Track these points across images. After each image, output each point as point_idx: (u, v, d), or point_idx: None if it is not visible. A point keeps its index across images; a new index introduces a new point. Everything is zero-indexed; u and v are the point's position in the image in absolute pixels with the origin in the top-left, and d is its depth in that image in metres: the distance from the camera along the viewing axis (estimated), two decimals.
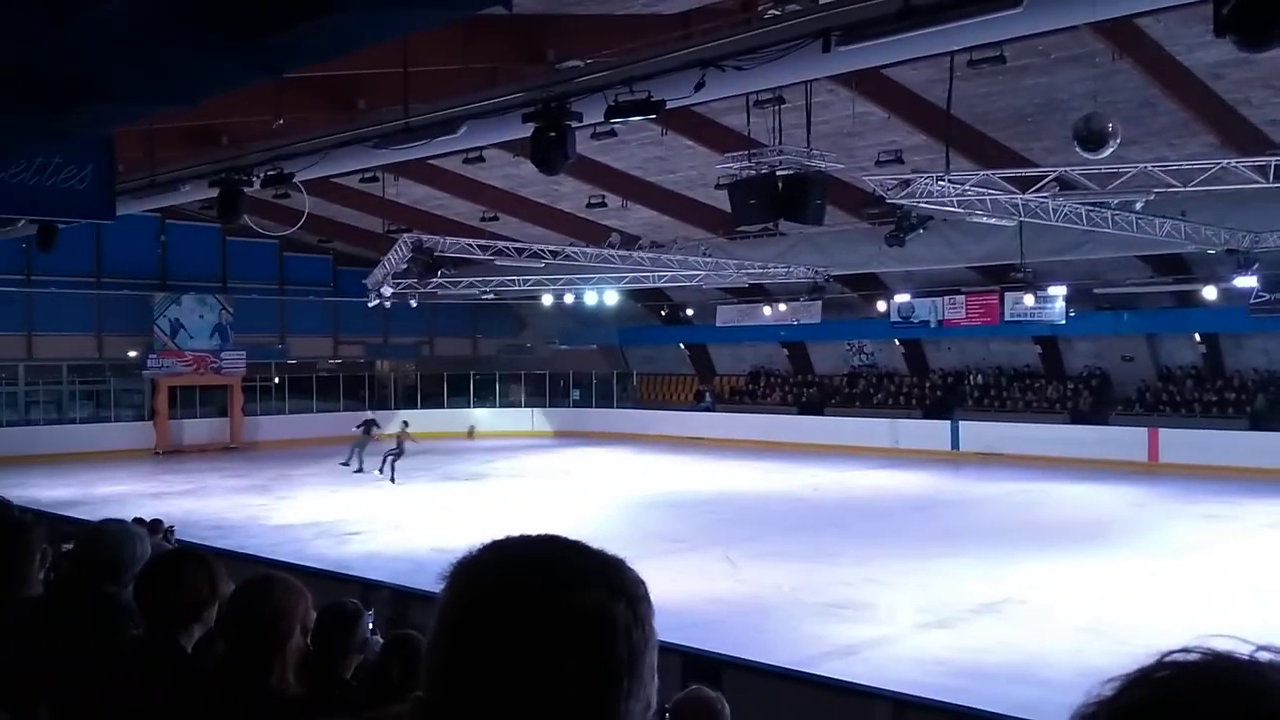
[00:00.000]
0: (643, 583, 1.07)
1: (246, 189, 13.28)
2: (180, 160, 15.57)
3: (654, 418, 38.47)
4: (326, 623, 3.03)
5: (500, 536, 1.09)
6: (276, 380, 38.06)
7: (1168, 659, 0.71)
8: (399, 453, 25.40)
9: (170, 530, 7.66)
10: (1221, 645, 0.71)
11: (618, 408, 40.78)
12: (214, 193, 13.77)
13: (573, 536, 1.09)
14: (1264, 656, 0.70)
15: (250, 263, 36.15)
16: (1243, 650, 0.70)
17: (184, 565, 2.76)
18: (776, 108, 17.38)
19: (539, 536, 1.08)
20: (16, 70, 6.49)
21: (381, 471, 25.08)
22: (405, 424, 26.25)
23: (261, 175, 12.95)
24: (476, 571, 1.05)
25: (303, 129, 13.86)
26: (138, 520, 8.29)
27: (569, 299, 32.49)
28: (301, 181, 14.27)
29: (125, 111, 9.13)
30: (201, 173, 14.28)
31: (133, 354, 34.46)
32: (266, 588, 2.48)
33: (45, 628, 2.70)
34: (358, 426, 27.55)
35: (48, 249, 14.26)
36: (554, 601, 1.00)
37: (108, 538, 3.28)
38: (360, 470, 26.32)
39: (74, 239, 23.59)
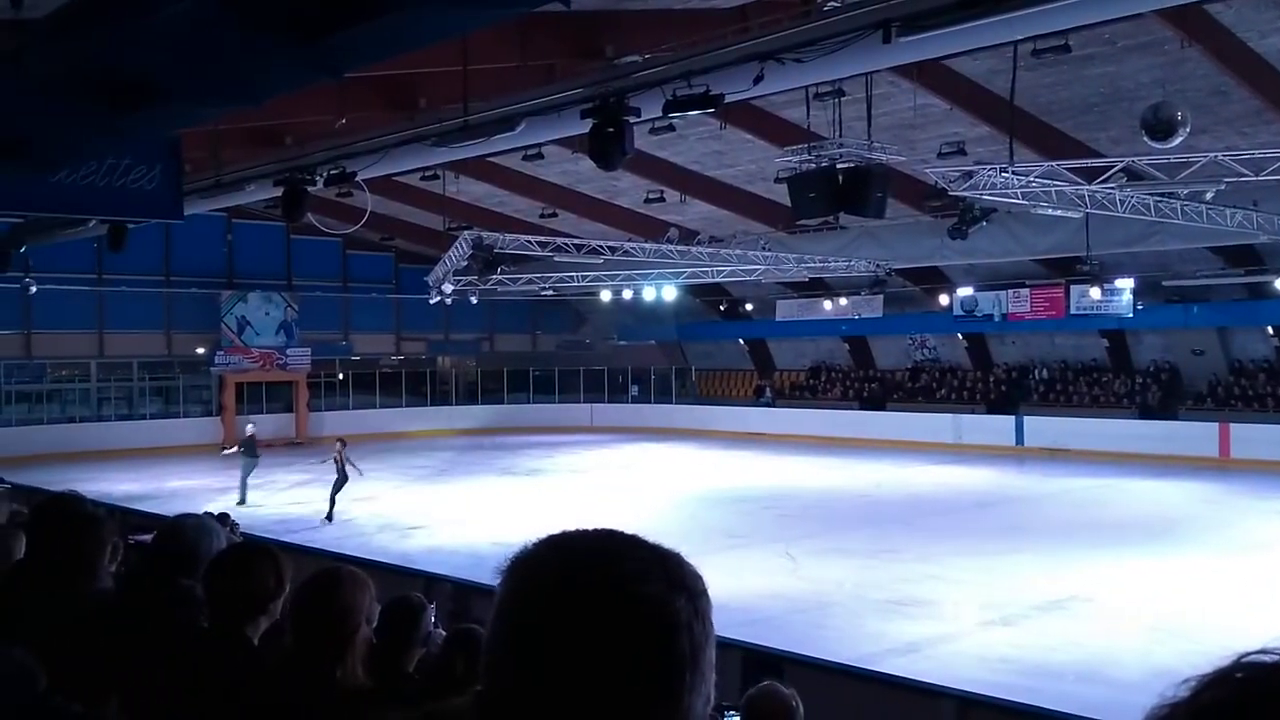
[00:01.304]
0: (701, 577, 1.06)
1: (310, 188, 13.47)
2: (245, 160, 15.84)
3: (713, 413, 38.40)
4: (391, 616, 3.06)
5: (557, 531, 1.09)
6: (340, 376, 38.61)
7: (1245, 660, 0.69)
8: (342, 481, 19.83)
9: (234, 525, 7.79)
10: None
11: (676, 403, 40.77)
12: (278, 192, 14.00)
13: (632, 532, 1.08)
14: None
15: (314, 261, 36.73)
16: None
17: (251, 558, 2.80)
18: (837, 100, 17.21)
19: (596, 531, 1.07)
20: (85, 72, 6.63)
21: (330, 518, 19.47)
22: (342, 444, 20.28)
23: (324, 174, 13.13)
24: (535, 566, 1.04)
25: (364, 128, 14.03)
26: (208, 514, 8.44)
27: (627, 294, 32.54)
28: (363, 180, 14.45)
29: (191, 112, 9.28)
30: (266, 172, 14.51)
31: (201, 351, 35.16)
32: (335, 581, 2.50)
33: (116, 620, 2.76)
34: (238, 448, 22.43)
35: (118, 249, 14.61)
36: (615, 596, 0.99)
37: (185, 532, 3.34)
38: (243, 503, 20.84)
39: (144, 238, 24.08)
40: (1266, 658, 0.69)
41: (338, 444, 20.35)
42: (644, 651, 0.97)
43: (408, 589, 4.94)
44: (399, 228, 33.72)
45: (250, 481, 22.11)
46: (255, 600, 2.70)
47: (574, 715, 0.97)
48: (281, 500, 22.49)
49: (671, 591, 1.00)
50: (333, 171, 13.00)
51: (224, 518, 7.50)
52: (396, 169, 15.08)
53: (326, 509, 19.61)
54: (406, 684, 2.95)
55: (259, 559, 2.78)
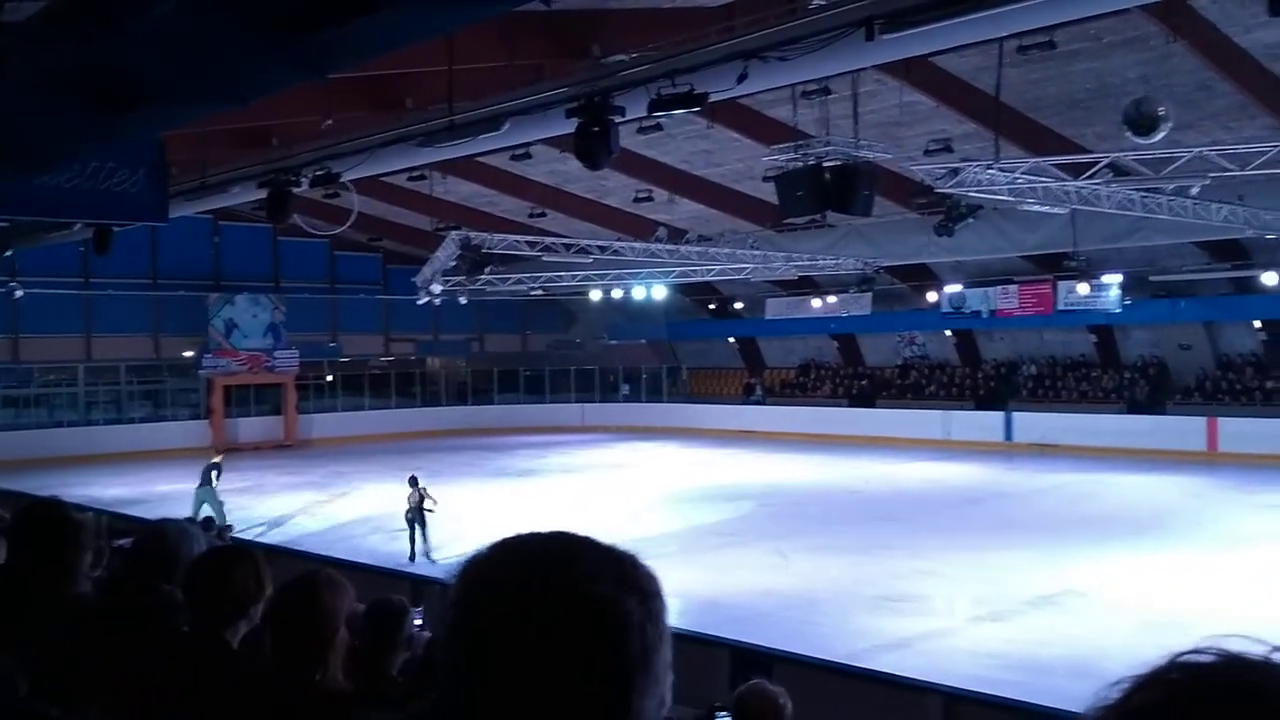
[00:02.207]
0: (656, 579, 1.05)
1: (295, 189, 13.43)
2: (230, 162, 15.78)
3: (704, 412, 38.43)
4: (373, 619, 3.05)
5: (510, 534, 1.09)
6: (329, 378, 38.54)
7: (1179, 660, 0.68)
8: (422, 519, 17.10)
9: (225, 529, 7.76)
10: (1235, 645, 0.69)
11: (667, 402, 40.79)
12: (264, 194, 13.95)
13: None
14: (1278, 658, 0.67)
15: (302, 262, 36.66)
16: (1257, 651, 0.68)
17: (231, 562, 2.79)
18: (823, 98, 17.26)
19: (548, 533, 1.07)
20: (69, 74, 6.60)
21: (414, 557, 16.61)
22: (415, 481, 17.37)
23: (310, 175, 13.09)
24: (486, 568, 1.04)
25: (350, 129, 13.99)
26: (189, 520, 8.43)
27: (617, 294, 32.52)
28: (350, 181, 14.41)
29: (176, 114, 9.25)
30: (251, 174, 14.47)
31: (188, 354, 35.07)
32: (312, 584, 2.49)
33: (96, 625, 2.74)
34: (211, 472, 19.22)
35: (104, 252, 14.56)
36: (565, 597, 0.98)
37: (166, 537, 3.32)
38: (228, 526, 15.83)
39: (130, 242, 24.00)
40: (1200, 658, 0.68)
41: (412, 480, 17.34)
42: (594, 652, 0.97)
43: (396, 591, 4.93)
44: (387, 228, 33.65)
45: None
46: (235, 604, 2.69)
47: (524, 716, 0.97)
48: (271, 503, 22.43)
49: (623, 592, 1.00)
50: (318, 173, 12.97)
51: (210, 522, 7.49)
52: (383, 169, 15.04)
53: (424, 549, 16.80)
54: (389, 687, 2.94)
55: (239, 563, 2.77)
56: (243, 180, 14.81)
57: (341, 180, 13.34)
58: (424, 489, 17.10)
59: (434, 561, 16.07)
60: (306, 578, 2.52)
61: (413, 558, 16.45)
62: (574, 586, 0.99)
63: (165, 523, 3.50)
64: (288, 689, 2.37)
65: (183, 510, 15.05)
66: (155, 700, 2.58)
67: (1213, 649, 0.68)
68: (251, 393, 35.99)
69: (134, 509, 17.39)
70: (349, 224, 19.66)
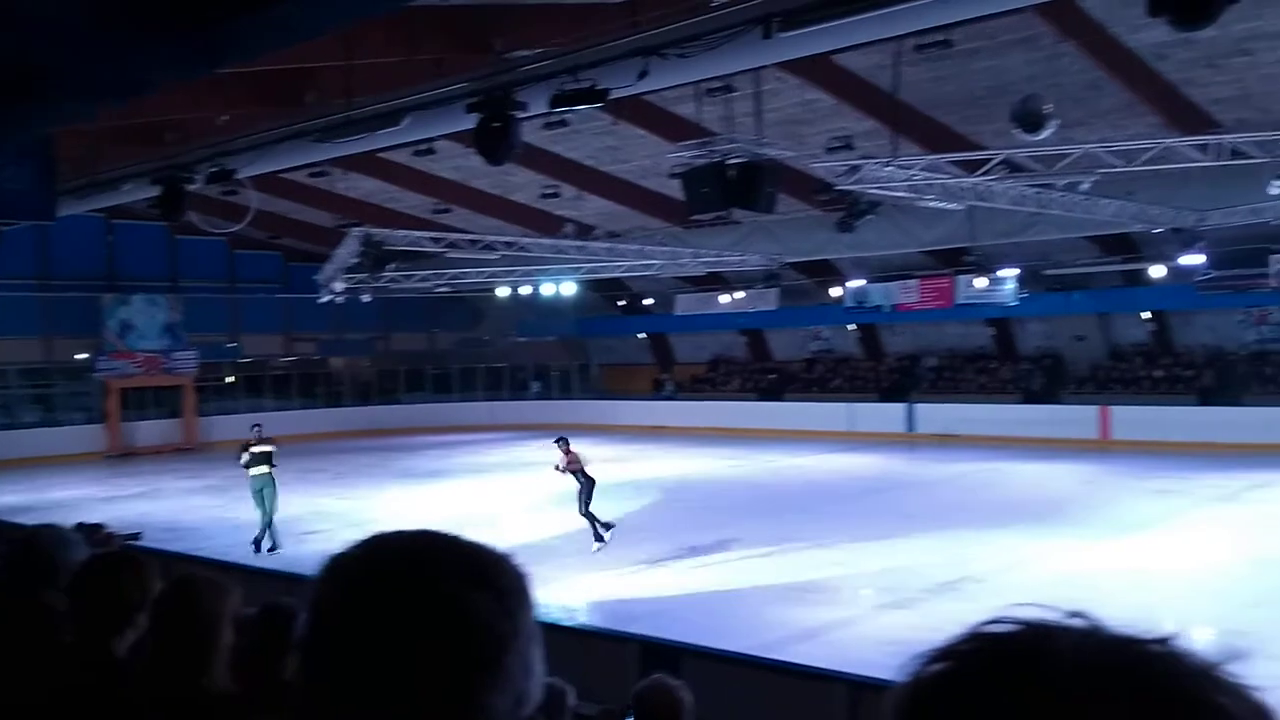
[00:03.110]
0: (519, 577, 1.06)
1: (190, 187, 13.10)
2: (123, 159, 15.34)
3: (615, 408, 38.46)
4: (263, 623, 2.99)
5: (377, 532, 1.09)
6: (230, 379, 37.66)
7: (977, 630, 0.70)
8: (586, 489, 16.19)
9: (113, 535, 7.52)
10: (1033, 613, 0.71)
11: (579, 399, 40.73)
12: (157, 191, 13.58)
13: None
14: (1075, 623, 0.69)
15: (200, 261, 35.76)
16: (1052, 618, 0.70)
17: (114, 569, 2.71)
18: (726, 96, 17.40)
19: (414, 531, 1.08)
20: None
21: (600, 540, 15.79)
22: (563, 441, 16.76)
23: (205, 173, 12.78)
24: (344, 564, 1.05)
25: (248, 125, 13.69)
26: (81, 525, 8.16)
27: (525, 290, 32.38)
28: (248, 177, 14.11)
29: (64, 108, 8.97)
30: (143, 171, 14.10)
31: (82, 356, 33.92)
32: (190, 587, 2.44)
33: None
34: (253, 453, 17.24)
35: None
36: (413, 593, 0.99)
37: (41, 543, 3.22)
38: (275, 548, 16.92)
39: (18, 241, 23.18)
40: (996, 627, 0.69)
41: (560, 440, 16.70)
42: (441, 648, 0.98)
43: (299, 595, 4.82)
44: (287, 226, 33.02)
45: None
46: (120, 612, 2.61)
47: (369, 711, 0.97)
48: (171, 508, 21.86)
49: (474, 589, 1.00)
50: (213, 170, 12.68)
51: (98, 528, 7.26)
52: (280, 166, 14.77)
53: (593, 532, 15.84)
54: (279, 691, 2.88)
55: (122, 569, 2.69)
56: (135, 178, 14.42)
57: (238, 177, 13.05)
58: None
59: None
60: (185, 580, 2.47)
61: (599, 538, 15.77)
62: (423, 582, 1.00)
63: (40, 529, 3.39)
64: (170, 694, 2.31)
65: (77, 516, 14.55)
66: (36, 713, 2.50)
67: (1009, 618, 0.70)
68: (149, 395, 34.99)
69: (26, 517, 16.76)
70: (247, 221, 19.20)
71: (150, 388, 34.83)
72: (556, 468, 16.40)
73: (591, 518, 15.97)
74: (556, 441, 16.48)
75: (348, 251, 24.75)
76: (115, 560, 2.93)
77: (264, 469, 16.74)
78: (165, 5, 5.85)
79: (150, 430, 34.43)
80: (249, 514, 20.53)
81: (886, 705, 0.70)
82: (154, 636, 2.38)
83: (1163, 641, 0.67)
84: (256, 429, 17.34)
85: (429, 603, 0.99)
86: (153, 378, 34.53)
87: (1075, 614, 0.70)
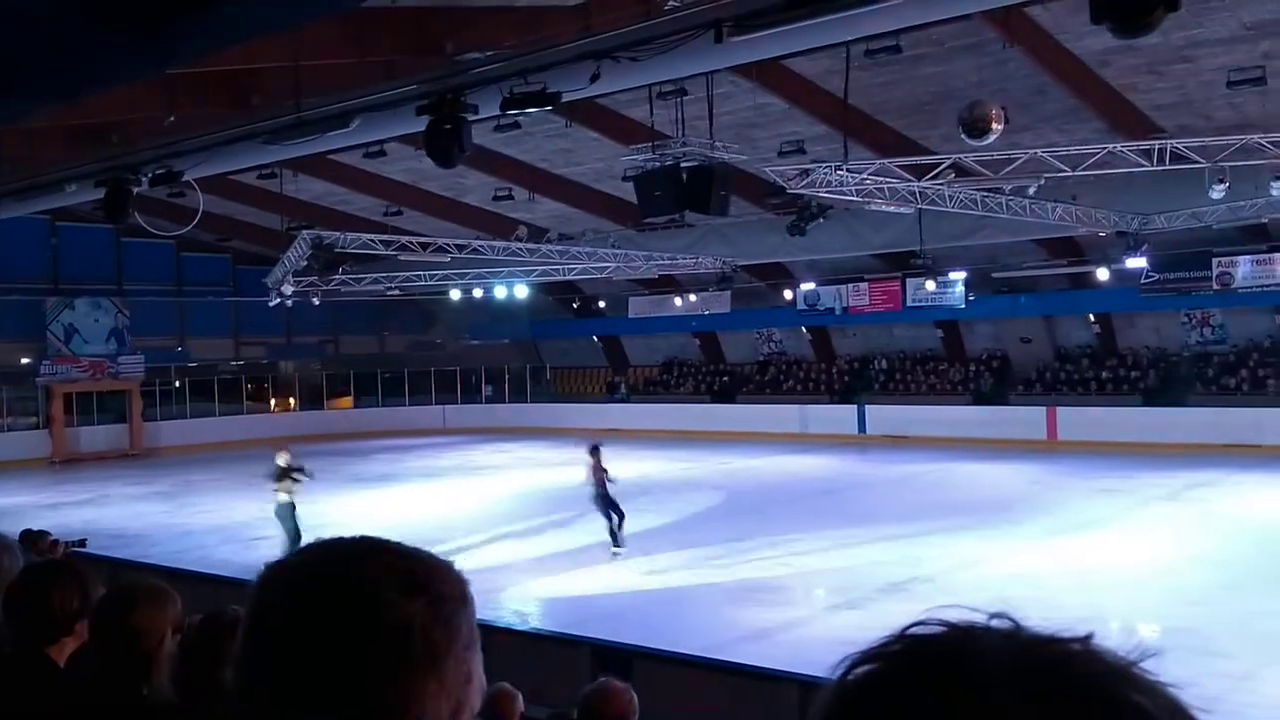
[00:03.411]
0: (457, 583, 1.06)
1: (135, 188, 12.90)
2: (68, 160, 15.07)
3: (569, 411, 38.40)
4: (205, 630, 2.96)
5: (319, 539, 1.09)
6: (177, 384, 37.12)
7: (903, 633, 0.71)
8: (602, 495, 16.19)
9: (59, 542, 7.40)
10: (959, 615, 0.72)
11: (532, 402, 40.61)
12: (101, 193, 13.36)
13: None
14: (997, 624, 0.71)
15: (146, 264, 35.18)
16: (977, 619, 0.71)
17: (52, 578, 2.66)
18: (679, 99, 17.45)
19: (354, 538, 1.08)
20: None
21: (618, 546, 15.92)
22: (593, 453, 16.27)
23: (150, 174, 12.59)
24: (280, 569, 1.06)
25: (195, 126, 13.51)
26: (27, 533, 8.03)
27: (478, 293, 32.22)
28: (195, 179, 13.93)
29: (8, 108, 8.82)
30: (87, 172, 13.85)
31: (25, 361, 33.27)
32: (130, 595, 2.41)
33: None
34: (288, 473, 16.12)
35: None
36: (346, 598, 1.00)
37: None
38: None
39: None
40: (923, 629, 0.71)
41: (592, 450, 16.28)
42: (372, 656, 0.98)
43: (243, 602, 4.77)
44: (236, 228, 32.63)
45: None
46: (58, 621, 2.57)
47: (304, 717, 0.97)
48: (117, 514, 21.52)
49: (409, 595, 1.00)
50: (159, 171, 12.49)
51: (43, 535, 7.14)
52: (229, 168, 14.61)
53: (611, 541, 15.90)
54: (220, 699, 2.85)
55: (61, 578, 2.65)
56: (79, 179, 14.16)
57: (185, 179, 12.88)
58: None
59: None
60: (124, 588, 2.44)
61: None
62: (357, 588, 1.00)
63: None
64: (111, 703, 2.28)
65: (20, 523, 14.25)
66: None
67: (935, 620, 0.71)
68: (94, 400, 34.40)
69: None
70: (194, 224, 18.93)
71: (95, 393, 34.25)
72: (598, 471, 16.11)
73: (612, 519, 16.03)
74: (591, 451, 16.31)
75: (297, 254, 24.49)
76: (48, 570, 2.88)
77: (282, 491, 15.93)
78: (110, 7, 5.77)
79: (96, 436, 33.87)
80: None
81: (813, 707, 0.71)
82: (95, 645, 2.35)
83: (1082, 641, 0.69)
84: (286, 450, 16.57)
85: (364, 610, 0.99)
86: (98, 382, 33.97)
87: (998, 615, 0.71)
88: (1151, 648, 0.69)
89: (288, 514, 15.73)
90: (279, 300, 26.94)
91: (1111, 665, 0.67)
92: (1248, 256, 26.34)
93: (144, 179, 12.69)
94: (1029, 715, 0.63)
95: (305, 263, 24.32)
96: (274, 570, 1.06)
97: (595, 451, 16.14)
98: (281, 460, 16.23)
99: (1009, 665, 0.66)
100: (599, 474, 16.02)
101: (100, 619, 2.40)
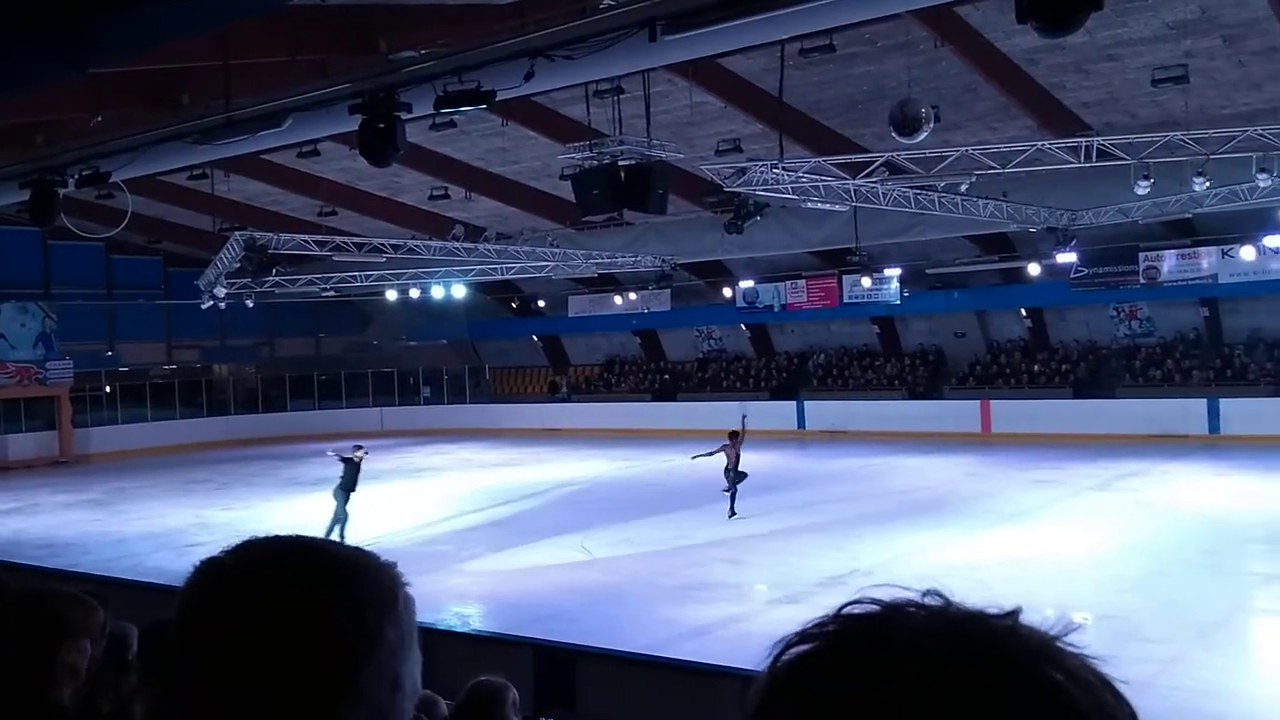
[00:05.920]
0: (388, 587, 1.02)
1: (61, 190, 12.62)
2: None
3: (509, 411, 38.26)
4: (111, 640, 2.91)
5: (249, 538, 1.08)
6: (107, 389, 36.33)
7: (838, 612, 0.72)
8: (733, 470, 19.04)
9: None
10: (892, 594, 0.74)
11: (471, 403, 40.37)
12: (27, 195, 13.05)
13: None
14: (929, 601, 0.73)
15: (74, 267, 34.41)
16: (908, 597, 0.73)
17: None
18: (616, 98, 17.45)
19: (284, 537, 1.06)
20: None
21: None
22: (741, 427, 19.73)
23: (76, 175, 12.33)
24: (208, 569, 1.04)
25: (123, 126, 13.27)
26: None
27: (415, 294, 31.95)
28: (124, 180, 13.67)
29: None
30: (11, 174, 13.52)
31: None
32: (36, 603, 2.36)
33: None
34: (351, 454, 18.15)
35: None
36: (268, 599, 0.98)
37: None
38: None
39: None
40: (856, 608, 0.72)
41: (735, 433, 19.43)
42: (286, 661, 0.95)
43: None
44: (166, 230, 32.05)
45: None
46: None
47: (223, 717, 0.96)
48: (47, 523, 21.03)
49: (332, 599, 0.98)
50: (85, 172, 12.23)
51: None
52: (158, 168, 14.34)
53: (728, 506, 18.67)
54: (130, 710, 2.81)
55: None
56: (2, 180, 13.81)
57: (112, 180, 12.62)
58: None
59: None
60: (31, 595, 2.39)
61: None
62: (274, 592, 0.98)
63: None
64: (15, 714, 2.23)
65: None
66: None
67: (868, 599, 0.73)
68: (21, 407, 33.55)
69: None
70: (123, 226, 18.57)
71: (23, 399, 33.41)
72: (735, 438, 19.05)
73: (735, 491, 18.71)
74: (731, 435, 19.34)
75: (230, 256, 24.12)
76: None
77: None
78: (29, 6, 5.64)
79: (23, 443, 33.04)
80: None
81: (750, 690, 0.72)
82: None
83: (1009, 615, 0.71)
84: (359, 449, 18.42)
85: (284, 612, 0.97)
86: (25, 389, 33.15)
87: (930, 592, 0.73)
88: (1076, 623, 0.71)
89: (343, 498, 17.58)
90: (212, 303, 26.54)
91: (1035, 638, 0.69)
92: (1173, 251, 27.01)
93: (70, 180, 12.41)
94: (952, 686, 0.65)
95: (239, 264, 23.96)
96: (204, 569, 1.04)
97: (736, 436, 19.22)
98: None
99: (935, 636, 0.68)
100: (738, 452, 18.98)
101: (6, 627, 2.34)
